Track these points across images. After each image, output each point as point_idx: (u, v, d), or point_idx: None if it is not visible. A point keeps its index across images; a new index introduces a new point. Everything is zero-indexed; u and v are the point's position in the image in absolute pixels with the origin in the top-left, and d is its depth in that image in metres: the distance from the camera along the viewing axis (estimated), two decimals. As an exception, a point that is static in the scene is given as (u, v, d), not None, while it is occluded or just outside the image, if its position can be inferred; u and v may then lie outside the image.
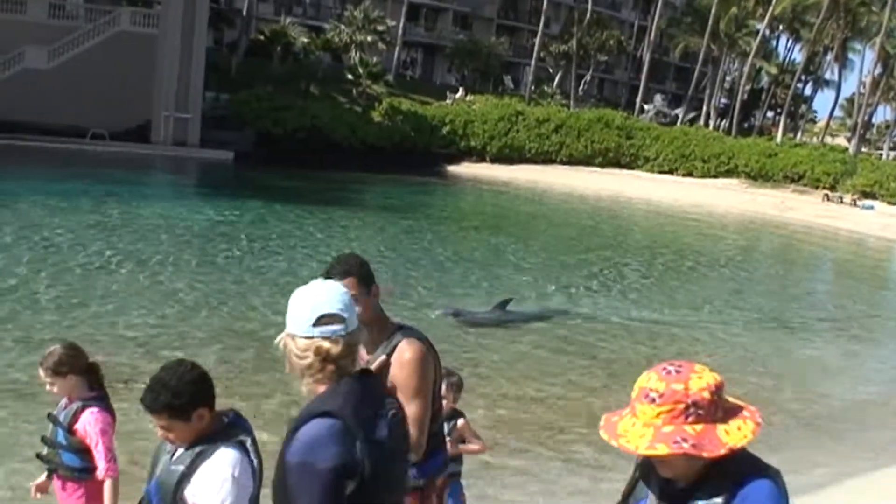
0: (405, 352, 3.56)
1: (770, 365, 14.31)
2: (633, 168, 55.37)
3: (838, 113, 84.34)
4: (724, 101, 74.03)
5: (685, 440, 2.19)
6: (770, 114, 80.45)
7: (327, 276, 3.38)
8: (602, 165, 54.82)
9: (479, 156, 54.28)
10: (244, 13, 57.74)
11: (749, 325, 17.49)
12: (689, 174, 54.39)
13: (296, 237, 23.34)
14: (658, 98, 70.88)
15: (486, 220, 34.25)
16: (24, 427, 8.32)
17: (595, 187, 48.39)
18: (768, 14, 61.29)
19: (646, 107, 66.55)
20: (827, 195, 50.38)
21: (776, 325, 17.96)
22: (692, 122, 64.63)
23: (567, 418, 10.40)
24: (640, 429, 2.25)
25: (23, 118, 42.32)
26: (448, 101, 57.45)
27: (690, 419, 2.22)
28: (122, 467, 4.65)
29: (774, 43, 78.59)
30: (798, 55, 74.89)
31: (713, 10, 62.69)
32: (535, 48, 63.14)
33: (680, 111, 67.37)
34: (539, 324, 15.27)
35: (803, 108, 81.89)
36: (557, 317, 15.92)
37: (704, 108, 66.60)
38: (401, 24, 60.41)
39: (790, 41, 75.57)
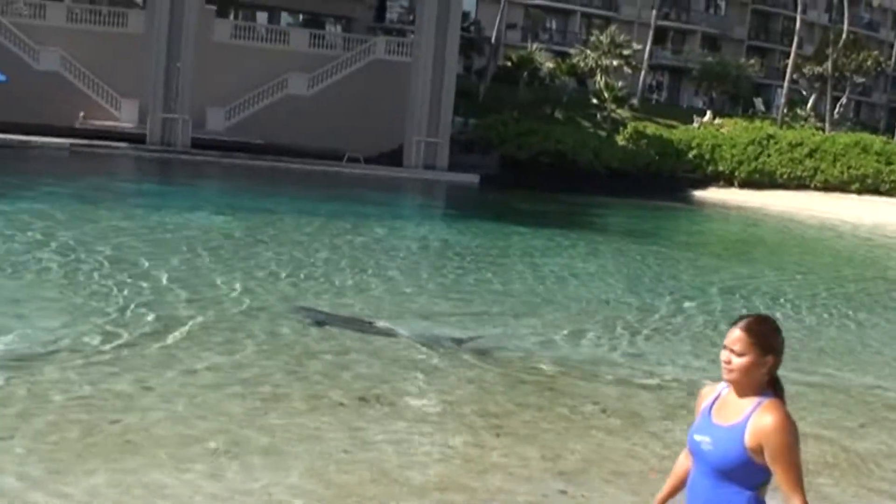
0: None
1: None
2: (893, 196, 52.11)
3: None
4: None
5: None
6: None
7: None
8: (859, 192, 51.88)
9: (727, 181, 52.67)
10: (493, 40, 58.86)
11: None
12: (959, 204, 50.62)
13: (537, 260, 23.43)
14: (922, 121, 66.57)
15: (734, 247, 33.18)
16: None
17: (853, 215, 45.86)
18: None
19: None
20: None
21: None
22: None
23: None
24: None
25: (286, 142, 44.98)
26: (695, 124, 56.23)
27: None
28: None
29: None
30: None
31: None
32: (788, 70, 60.78)
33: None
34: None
35: None
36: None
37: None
38: (647, 48, 59.79)
39: None
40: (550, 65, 57.03)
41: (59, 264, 16.64)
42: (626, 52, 56.70)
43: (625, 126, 52.00)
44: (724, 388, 3.81)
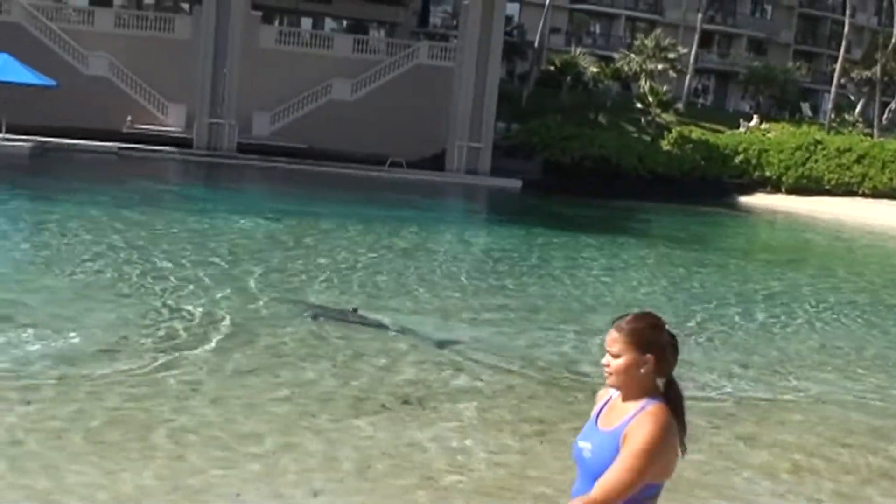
0: None
1: None
2: (944, 203, 51.14)
3: None
4: None
5: None
6: None
7: None
8: (909, 199, 51.06)
9: (774, 186, 52.03)
10: (536, 45, 58.76)
11: None
12: None
13: (579, 266, 23.35)
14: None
15: (782, 253, 32.81)
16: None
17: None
18: None
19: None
20: None
21: None
22: None
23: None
24: None
25: (329, 146, 45.24)
26: (741, 129, 55.72)
27: None
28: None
29: None
30: None
31: None
32: (836, 74, 60.04)
33: None
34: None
35: None
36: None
37: None
38: (693, 52, 59.29)
39: None
40: (594, 69, 56.73)
41: (113, 267, 16.86)
42: (671, 56, 56.29)
43: (670, 130, 51.62)
44: (615, 392, 3.51)
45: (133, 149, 42.35)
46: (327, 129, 46.43)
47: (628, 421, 3.32)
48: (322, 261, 19.90)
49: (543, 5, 58.89)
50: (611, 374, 3.44)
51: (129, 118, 46.29)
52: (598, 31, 68.37)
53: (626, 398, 3.43)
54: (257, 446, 8.57)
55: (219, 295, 15.02)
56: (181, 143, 44.68)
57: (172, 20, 50.23)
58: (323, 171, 42.18)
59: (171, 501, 7.30)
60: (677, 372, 3.53)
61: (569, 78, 55.74)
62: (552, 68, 56.91)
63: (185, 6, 56.95)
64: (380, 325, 13.75)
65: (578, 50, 58.78)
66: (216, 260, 18.61)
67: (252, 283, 16.35)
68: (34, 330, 11.82)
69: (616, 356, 3.42)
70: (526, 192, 44.30)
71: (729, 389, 12.22)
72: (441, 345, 13.05)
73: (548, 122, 49.85)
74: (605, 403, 3.54)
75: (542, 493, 8.17)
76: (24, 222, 22.09)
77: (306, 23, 60.97)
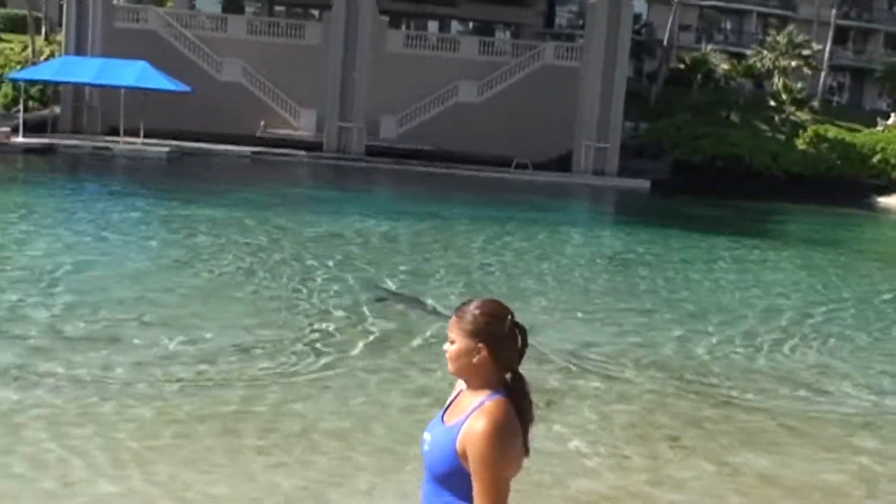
0: None
1: None
2: None
3: None
4: None
5: None
6: None
7: None
8: None
9: (915, 187, 50.12)
10: (665, 42, 57.91)
11: None
12: None
13: (709, 268, 22.90)
14: None
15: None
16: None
17: None
18: None
19: None
20: None
21: None
22: None
23: None
24: None
25: (455, 148, 45.55)
26: (879, 127, 53.73)
27: None
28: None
29: None
30: None
31: None
32: (980, 69, 57.37)
33: None
34: None
35: None
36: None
37: None
38: (827, 48, 57.50)
39: None
40: (725, 66, 55.64)
41: (250, 267, 17.31)
42: (805, 53, 54.63)
43: (805, 129, 50.17)
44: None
45: (266, 152, 43.49)
46: (453, 132, 46.77)
47: (465, 419, 3.15)
48: (450, 261, 20.06)
49: (672, 3, 57.97)
50: (448, 360, 3.27)
51: (262, 123, 47.53)
52: (728, 27, 66.95)
53: (468, 388, 3.26)
54: (402, 447, 8.73)
55: (349, 295, 15.30)
56: (311, 146, 45.67)
57: (303, 26, 51.38)
58: (450, 173, 42.51)
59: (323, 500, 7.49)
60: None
61: (699, 76, 54.80)
62: (682, 66, 56.00)
63: (315, 13, 58.13)
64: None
65: (709, 47, 57.75)
66: (350, 260, 18.94)
67: (388, 284, 16.58)
68: (176, 330, 12.24)
69: (452, 342, 3.26)
70: (655, 193, 43.69)
71: (869, 399, 11.81)
72: (568, 346, 13.00)
73: (678, 121, 49.11)
74: (457, 395, 3.36)
75: (673, 499, 8.07)
76: (164, 224, 22.88)
77: (432, 26, 61.52)
